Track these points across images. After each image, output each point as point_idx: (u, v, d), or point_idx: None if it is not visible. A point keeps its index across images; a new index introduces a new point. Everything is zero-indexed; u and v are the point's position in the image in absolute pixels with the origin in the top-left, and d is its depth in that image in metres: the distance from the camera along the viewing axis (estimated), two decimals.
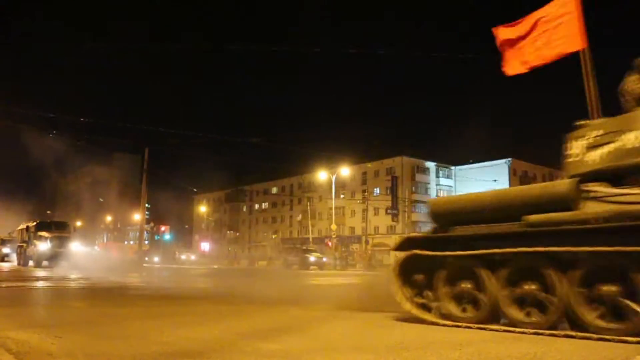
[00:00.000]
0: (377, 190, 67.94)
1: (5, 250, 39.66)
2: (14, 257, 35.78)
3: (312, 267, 36.96)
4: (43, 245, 26.55)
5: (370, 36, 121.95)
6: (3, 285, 13.13)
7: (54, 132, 33.52)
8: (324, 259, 39.64)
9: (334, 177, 45.92)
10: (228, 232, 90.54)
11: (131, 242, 79.61)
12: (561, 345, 4.81)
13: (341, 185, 62.12)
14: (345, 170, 49.79)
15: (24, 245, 29.49)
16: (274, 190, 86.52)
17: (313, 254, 39.65)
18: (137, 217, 59.35)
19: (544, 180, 72.30)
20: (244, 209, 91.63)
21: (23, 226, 31.52)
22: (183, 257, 59.45)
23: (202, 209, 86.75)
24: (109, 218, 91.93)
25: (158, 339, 5.01)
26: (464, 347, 4.63)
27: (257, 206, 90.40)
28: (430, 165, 71.31)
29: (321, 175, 51.15)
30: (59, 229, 29.17)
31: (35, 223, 29.48)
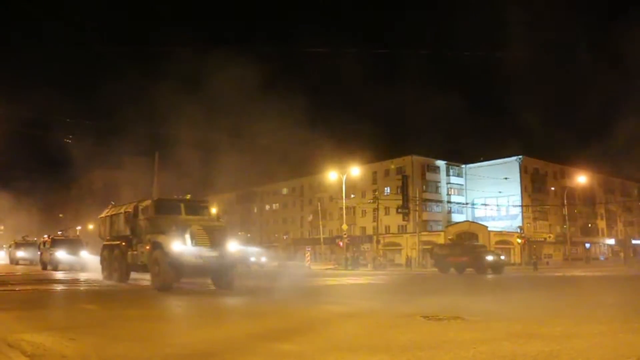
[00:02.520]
0: (387, 190, 67.69)
1: (60, 254, 27.58)
2: (85, 265, 26.24)
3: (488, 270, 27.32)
4: (178, 246, 12.99)
5: (376, 34, 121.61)
6: (23, 289, 13.24)
7: (70, 136, 30.14)
8: (502, 257, 30.02)
9: (344, 177, 45.83)
10: (239, 233, 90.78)
11: None
12: (576, 343, 4.77)
13: (351, 185, 61.99)
14: (355, 170, 49.64)
15: (123, 244, 15.87)
16: (285, 191, 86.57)
17: (486, 250, 30.10)
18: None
19: (555, 178, 71.97)
20: (255, 210, 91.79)
21: (121, 209, 17.11)
22: (252, 259, 43.41)
23: (213, 210, 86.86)
24: None
25: (171, 341, 5.03)
26: (477, 346, 4.61)
27: (267, 207, 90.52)
28: (441, 163, 70.97)
29: (331, 175, 51.04)
30: (200, 213, 15.58)
31: (152, 201, 15.43)
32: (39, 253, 31.32)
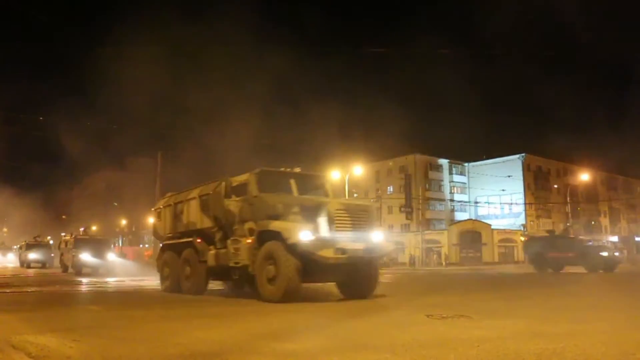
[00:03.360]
0: (390, 189, 67.81)
1: (84, 256, 24.01)
2: (112, 269, 23.37)
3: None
4: (308, 235, 8.87)
5: (377, 33, 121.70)
6: (27, 290, 13.28)
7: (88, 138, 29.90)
8: (617, 254, 26.13)
9: (347, 176, 45.81)
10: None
11: (146, 246, 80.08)
12: (579, 340, 4.76)
13: (354, 184, 62.03)
14: (358, 169, 49.64)
15: (199, 241, 11.60)
16: None
17: (598, 245, 26.70)
18: (151, 220, 58.91)
19: (558, 175, 71.86)
20: None
21: (190, 194, 12.46)
22: None
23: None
24: (123, 222, 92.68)
25: (175, 341, 5.03)
26: (481, 344, 4.59)
27: None
28: (444, 162, 70.97)
29: (334, 174, 51.05)
30: (317, 192, 11.73)
31: (254, 174, 10.56)
32: (52, 255, 29.09)
